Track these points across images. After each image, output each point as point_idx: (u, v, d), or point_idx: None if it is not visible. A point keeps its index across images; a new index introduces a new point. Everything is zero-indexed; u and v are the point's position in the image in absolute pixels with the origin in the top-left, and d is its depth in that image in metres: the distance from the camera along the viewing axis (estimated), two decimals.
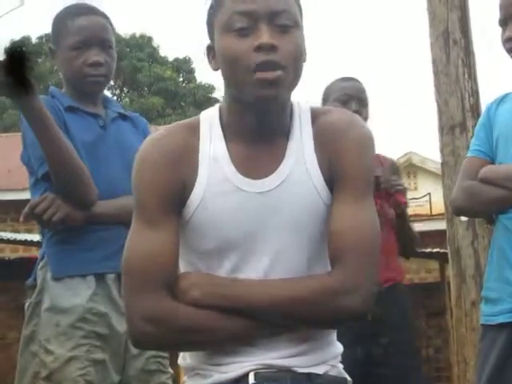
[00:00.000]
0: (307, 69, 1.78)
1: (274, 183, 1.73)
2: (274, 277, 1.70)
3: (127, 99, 26.64)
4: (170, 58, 27.99)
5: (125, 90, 27.58)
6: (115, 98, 26.55)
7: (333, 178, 1.74)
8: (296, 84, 1.74)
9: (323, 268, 1.73)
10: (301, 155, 1.75)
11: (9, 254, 10.69)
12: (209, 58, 1.79)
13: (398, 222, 3.37)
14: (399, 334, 3.33)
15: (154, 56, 26.51)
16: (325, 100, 3.45)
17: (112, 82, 25.85)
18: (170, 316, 1.67)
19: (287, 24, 1.70)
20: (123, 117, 2.76)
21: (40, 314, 2.52)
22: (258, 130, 1.74)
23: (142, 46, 26.84)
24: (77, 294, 2.50)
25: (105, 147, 2.63)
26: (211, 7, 1.76)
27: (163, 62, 26.93)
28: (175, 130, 1.79)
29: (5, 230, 10.74)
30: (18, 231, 10.63)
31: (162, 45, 26.91)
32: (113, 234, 2.50)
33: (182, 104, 25.95)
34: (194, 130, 1.77)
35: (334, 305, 1.65)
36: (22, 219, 2.54)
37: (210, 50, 1.78)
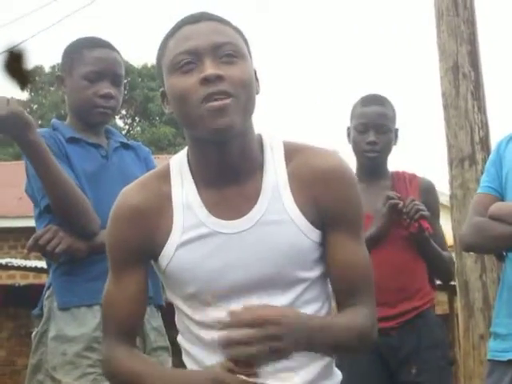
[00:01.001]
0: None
1: (250, 223, 1.72)
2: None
3: (139, 128, 26.73)
4: None
5: (136, 119, 27.67)
6: (127, 127, 26.67)
7: (322, 218, 1.74)
8: (250, 113, 1.72)
9: (308, 303, 1.75)
10: (276, 193, 1.73)
11: (19, 280, 10.71)
12: (163, 104, 1.79)
13: (424, 249, 3.20)
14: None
15: None
16: (350, 121, 3.34)
17: (124, 112, 25.98)
18: (116, 364, 1.77)
19: (232, 54, 1.70)
20: (125, 146, 2.79)
21: (47, 343, 2.54)
22: (223, 167, 1.73)
23: (153, 75, 26.93)
24: (83, 324, 2.52)
25: (107, 177, 2.65)
26: (157, 53, 1.78)
27: (160, 92, 27.03)
28: (146, 181, 1.81)
29: (15, 257, 10.77)
30: (28, 258, 10.66)
31: None
32: None
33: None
34: (166, 177, 1.79)
35: (363, 341, 1.74)
36: (26, 251, 2.58)
37: (164, 94, 1.78)
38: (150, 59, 26.21)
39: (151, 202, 1.75)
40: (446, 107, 5.87)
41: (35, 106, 26.41)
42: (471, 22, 5.94)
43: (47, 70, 26.74)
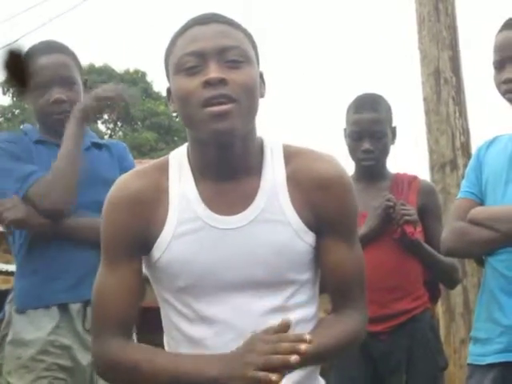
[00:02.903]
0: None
1: (246, 220, 1.73)
2: (249, 313, 1.72)
3: (121, 133, 26.68)
4: (164, 94, 28.00)
5: (118, 124, 27.63)
6: (109, 131, 26.62)
7: (318, 222, 1.75)
8: (252, 117, 1.74)
9: (298, 306, 1.76)
10: (274, 193, 1.74)
11: (0, 285, 10.66)
12: (169, 101, 1.80)
13: (416, 254, 3.14)
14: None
15: (147, 91, 26.57)
16: (346, 124, 3.28)
17: (106, 116, 25.93)
18: (114, 357, 1.73)
19: (237, 59, 1.71)
20: (98, 146, 2.80)
21: (5, 347, 2.55)
22: (223, 166, 1.74)
23: (135, 81, 26.90)
24: (39, 327, 2.52)
25: None
26: (166, 49, 1.79)
27: (157, 97, 26.98)
28: (144, 171, 1.80)
29: None
30: (9, 262, 10.60)
31: (156, 80, 26.87)
32: (78, 259, 2.54)
33: (175, 139, 25.97)
34: (164, 170, 1.78)
35: (353, 345, 1.81)
36: None
37: (169, 92, 1.80)
38: (132, 64, 26.20)
39: (148, 192, 1.75)
40: (427, 112, 5.90)
41: (17, 111, 26.32)
42: (453, 28, 5.97)
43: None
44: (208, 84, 1.66)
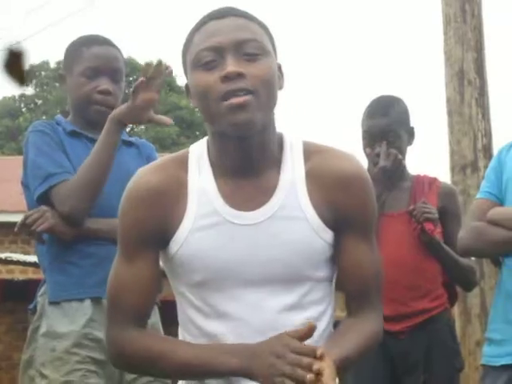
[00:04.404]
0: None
1: (264, 216, 1.72)
2: (265, 310, 1.72)
3: (143, 127, 26.77)
4: None
5: None
6: (130, 125, 26.68)
7: (336, 220, 1.75)
8: (271, 109, 1.74)
9: (313, 304, 1.77)
10: (293, 190, 1.74)
11: (18, 275, 10.72)
12: (188, 96, 1.81)
13: (435, 253, 3.14)
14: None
15: (171, 85, 26.65)
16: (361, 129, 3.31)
17: None
18: (130, 346, 1.74)
19: (254, 52, 1.71)
20: (128, 144, 2.79)
21: (38, 339, 2.55)
22: (242, 160, 1.74)
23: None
24: (73, 320, 2.52)
25: None
26: (183, 46, 1.79)
27: (179, 91, 27.05)
28: (164, 164, 1.80)
29: (16, 252, 10.77)
30: (28, 253, 10.67)
31: (179, 74, 26.97)
32: (112, 255, 2.54)
33: (197, 133, 26.03)
34: (183, 163, 1.78)
35: (373, 347, 1.81)
36: (16, 229, 2.58)
37: (187, 88, 1.80)
38: (156, 57, 26.23)
39: (167, 185, 1.75)
40: (450, 113, 5.88)
41: (40, 102, 26.46)
42: (478, 30, 5.95)
43: (53, 65, 26.78)
44: (226, 78, 1.67)
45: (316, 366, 1.56)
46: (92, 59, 2.67)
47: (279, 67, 1.79)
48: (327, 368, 1.57)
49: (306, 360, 1.57)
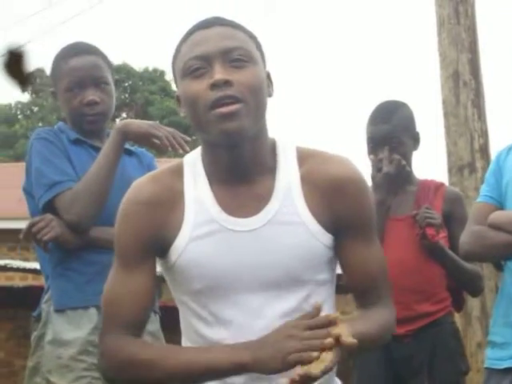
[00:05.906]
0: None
1: (262, 222, 1.73)
2: (265, 315, 1.72)
3: None
4: None
5: None
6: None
7: (334, 224, 1.76)
8: (260, 116, 1.74)
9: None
10: (289, 195, 1.75)
11: (18, 282, 10.70)
12: (179, 106, 1.82)
13: (437, 258, 3.13)
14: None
15: (166, 90, 26.63)
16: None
17: (124, 115, 26.02)
18: (126, 356, 1.72)
19: (241, 59, 1.72)
20: (129, 152, 2.80)
21: (44, 346, 2.57)
22: (235, 168, 1.74)
23: (154, 79, 26.97)
24: (79, 327, 2.54)
25: None
26: (172, 57, 1.81)
27: (175, 96, 27.10)
28: (159, 175, 1.81)
29: (14, 259, 10.76)
30: (27, 260, 10.66)
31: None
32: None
33: (193, 138, 26.06)
34: (178, 173, 1.79)
35: (388, 337, 1.84)
36: (21, 236, 2.60)
37: (178, 98, 1.81)
38: (151, 63, 26.23)
39: (163, 196, 1.76)
40: (445, 115, 5.89)
41: (36, 109, 26.43)
42: (472, 30, 5.96)
43: (48, 72, 26.72)
44: (214, 86, 1.68)
45: (334, 330, 1.54)
46: (72, 73, 2.68)
47: (268, 75, 1.80)
48: (343, 328, 1.56)
49: (321, 331, 1.56)
